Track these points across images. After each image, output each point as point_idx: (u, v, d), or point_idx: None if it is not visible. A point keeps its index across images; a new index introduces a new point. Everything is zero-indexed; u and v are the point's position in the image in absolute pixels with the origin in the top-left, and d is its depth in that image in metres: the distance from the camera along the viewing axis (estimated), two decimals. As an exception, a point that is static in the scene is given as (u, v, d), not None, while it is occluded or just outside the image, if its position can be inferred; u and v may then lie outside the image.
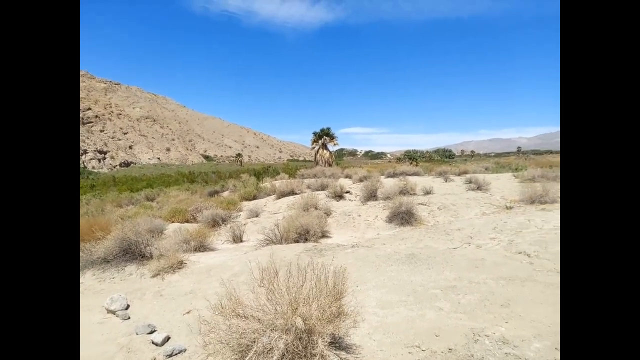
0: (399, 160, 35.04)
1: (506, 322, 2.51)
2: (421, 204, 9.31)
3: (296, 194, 12.20)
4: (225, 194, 16.12)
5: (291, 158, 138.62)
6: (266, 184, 16.32)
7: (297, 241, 6.60)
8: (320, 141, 30.35)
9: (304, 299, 2.00)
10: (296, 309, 2.03)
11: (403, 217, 8.18)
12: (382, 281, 3.77)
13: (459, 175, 14.65)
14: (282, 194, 12.34)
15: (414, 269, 4.06)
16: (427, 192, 10.63)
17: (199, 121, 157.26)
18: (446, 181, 13.08)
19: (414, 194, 10.58)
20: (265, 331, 1.90)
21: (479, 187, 10.76)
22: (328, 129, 30.55)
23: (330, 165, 28.56)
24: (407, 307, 3.02)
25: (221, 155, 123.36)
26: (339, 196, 11.23)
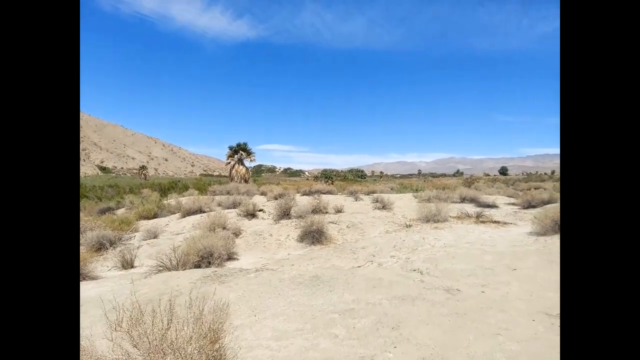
0: (316, 178, 35.98)
1: (395, 347, 2.55)
2: (332, 222, 9.51)
3: (204, 212, 11.37)
4: (121, 211, 14.22)
5: (205, 173, 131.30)
6: (171, 200, 14.93)
7: (198, 266, 6.03)
8: (236, 156, 29.34)
9: (170, 344, 1.69)
10: (164, 356, 1.70)
11: (314, 236, 8.21)
12: (282, 308, 3.59)
13: (367, 194, 15.56)
14: (188, 212, 11.38)
15: (315, 292, 3.98)
16: (338, 211, 10.95)
17: (96, 128, 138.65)
18: (356, 200, 13.73)
19: (326, 213, 10.80)
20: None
21: (384, 206, 11.51)
22: (245, 144, 29.79)
23: (246, 181, 27.74)
24: (303, 336, 2.88)
25: (122, 168, 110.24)
26: (251, 215, 10.82)
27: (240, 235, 8.87)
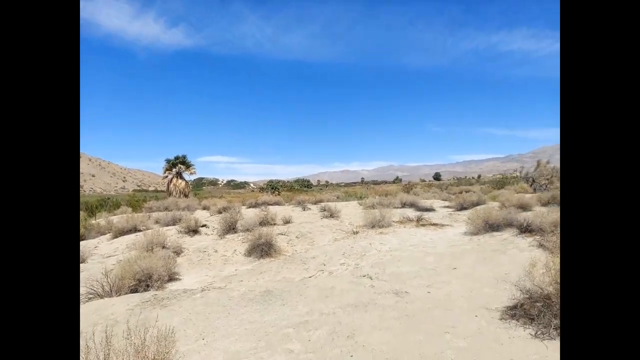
0: (262, 189, 35.31)
1: (351, 356, 2.55)
2: (281, 233, 9.37)
3: (140, 230, 10.47)
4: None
5: (139, 188, 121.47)
6: (100, 220, 13.52)
7: (135, 290, 5.48)
8: (174, 170, 27.62)
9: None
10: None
11: (263, 249, 7.99)
12: (233, 328, 3.40)
13: (315, 203, 15.67)
14: (121, 232, 10.38)
15: (268, 308, 3.86)
16: (287, 222, 10.84)
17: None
18: (304, 210, 13.73)
19: (275, 224, 10.62)
20: None
21: (331, 215, 11.67)
22: (184, 156, 28.18)
23: (186, 196, 26.20)
24: (257, 355, 2.75)
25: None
26: (193, 231, 10.21)
27: (182, 254, 8.31)
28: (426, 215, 11.41)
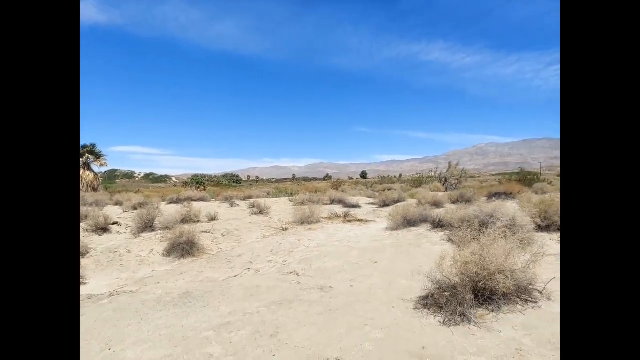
0: (185, 184, 33.08)
1: (273, 355, 2.51)
2: (205, 231, 8.88)
3: (34, 229, 8.97)
4: None
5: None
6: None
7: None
8: (81, 160, 24.38)
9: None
10: None
11: (184, 248, 7.47)
12: (147, 334, 3.10)
13: (244, 200, 15.23)
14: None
15: (187, 311, 3.61)
16: (212, 219, 10.33)
17: None
18: (232, 206, 13.24)
19: (199, 221, 10.03)
20: None
21: (261, 211, 11.46)
22: (92, 145, 25.00)
23: (95, 189, 23.31)
24: (172, 363, 2.55)
25: None
26: (102, 229, 9.11)
27: (89, 255, 7.36)
28: (352, 211, 11.92)
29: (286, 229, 9.18)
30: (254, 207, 11.96)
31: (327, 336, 2.77)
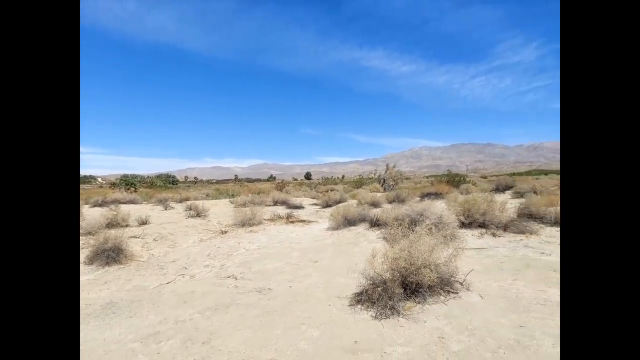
0: (113, 185, 30.20)
1: (205, 362, 2.42)
2: (134, 236, 8.21)
3: None
4: None
5: None
6: None
7: None
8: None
9: None
10: None
11: (109, 255, 6.81)
12: (58, 354, 2.77)
13: (180, 202, 14.41)
14: None
15: (110, 322, 3.30)
16: (143, 222, 9.59)
17: None
18: (166, 209, 12.45)
19: (127, 226, 9.25)
20: None
21: (198, 214, 10.94)
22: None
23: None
24: (89, 383, 2.31)
25: None
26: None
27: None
28: (296, 212, 11.96)
29: (226, 232, 8.88)
30: (191, 209, 11.38)
31: (263, 338, 2.74)
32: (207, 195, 19.33)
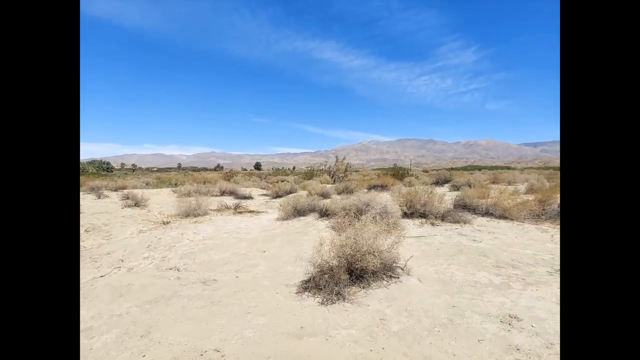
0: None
1: (144, 356, 2.29)
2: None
3: None
4: None
5: None
6: None
7: None
8: None
9: None
10: None
11: (30, 248, 6.13)
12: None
13: (115, 190, 13.32)
14: None
15: (31, 322, 2.97)
16: (72, 212, 8.71)
17: None
18: (100, 198, 11.43)
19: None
20: None
21: (137, 204, 10.21)
22: None
23: None
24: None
25: None
26: None
27: None
28: (244, 202, 11.70)
29: (168, 223, 8.42)
30: (128, 198, 10.59)
31: (206, 329, 2.67)
32: (146, 184, 18.10)
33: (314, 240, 5.47)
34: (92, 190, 12.29)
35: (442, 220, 7.18)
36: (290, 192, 13.76)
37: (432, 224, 6.87)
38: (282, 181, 18.70)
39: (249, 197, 13.06)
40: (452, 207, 8.14)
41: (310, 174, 25.43)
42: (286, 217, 8.32)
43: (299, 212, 8.47)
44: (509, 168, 63.53)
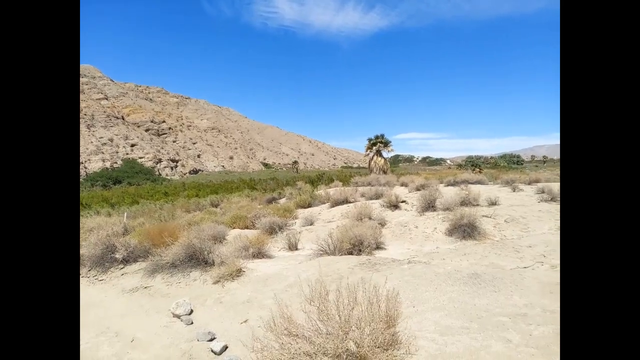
0: (459, 167, 33.03)
1: None
2: (485, 216, 8.63)
3: (350, 202, 12.11)
4: (282, 201, 16.63)
5: (345, 165, 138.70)
6: (320, 191, 16.48)
7: (350, 252, 6.50)
8: (374, 148, 29.91)
9: (355, 322, 1.93)
10: (347, 332, 1.97)
11: (465, 230, 7.64)
12: (442, 303, 3.53)
13: (529, 184, 13.37)
14: (336, 203, 12.34)
15: (477, 291, 3.75)
16: (493, 203, 9.84)
17: (258, 130, 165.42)
18: (514, 191, 12.00)
19: (477, 205, 9.87)
20: (316, 355, 1.87)
21: (552, 199, 9.68)
22: (382, 135, 30.03)
23: (385, 172, 27.95)
24: (469, 335, 2.78)
25: (279, 163, 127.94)
26: (394, 206, 10.90)
27: (386, 226, 9.06)
28: None
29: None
30: (543, 192, 10.27)
31: None
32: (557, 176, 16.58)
33: None
34: (507, 183, 13.14)
35: None
36: None
37: None
38: None
39: None
40: None
41: None
42: None
43: None
44: None
